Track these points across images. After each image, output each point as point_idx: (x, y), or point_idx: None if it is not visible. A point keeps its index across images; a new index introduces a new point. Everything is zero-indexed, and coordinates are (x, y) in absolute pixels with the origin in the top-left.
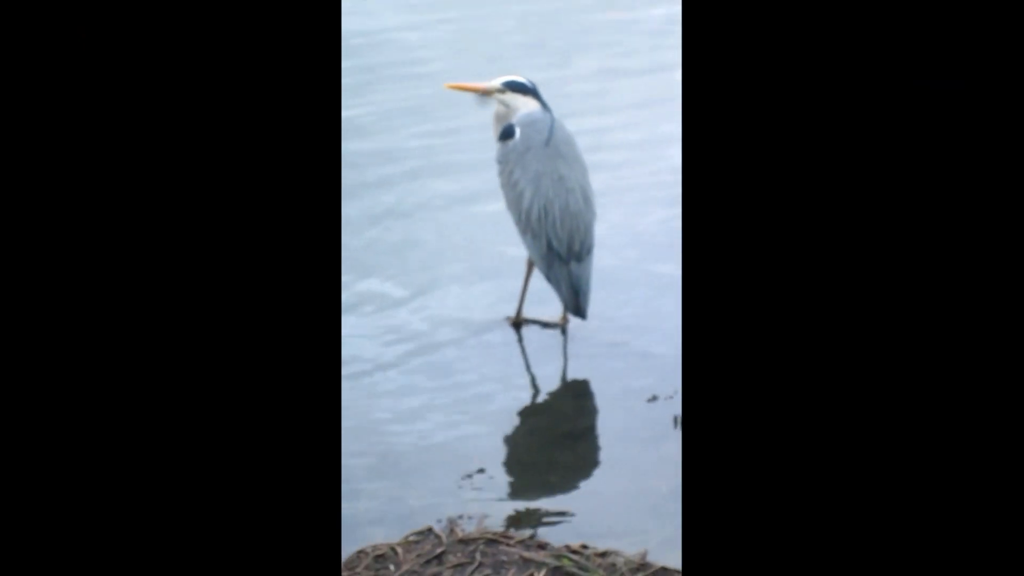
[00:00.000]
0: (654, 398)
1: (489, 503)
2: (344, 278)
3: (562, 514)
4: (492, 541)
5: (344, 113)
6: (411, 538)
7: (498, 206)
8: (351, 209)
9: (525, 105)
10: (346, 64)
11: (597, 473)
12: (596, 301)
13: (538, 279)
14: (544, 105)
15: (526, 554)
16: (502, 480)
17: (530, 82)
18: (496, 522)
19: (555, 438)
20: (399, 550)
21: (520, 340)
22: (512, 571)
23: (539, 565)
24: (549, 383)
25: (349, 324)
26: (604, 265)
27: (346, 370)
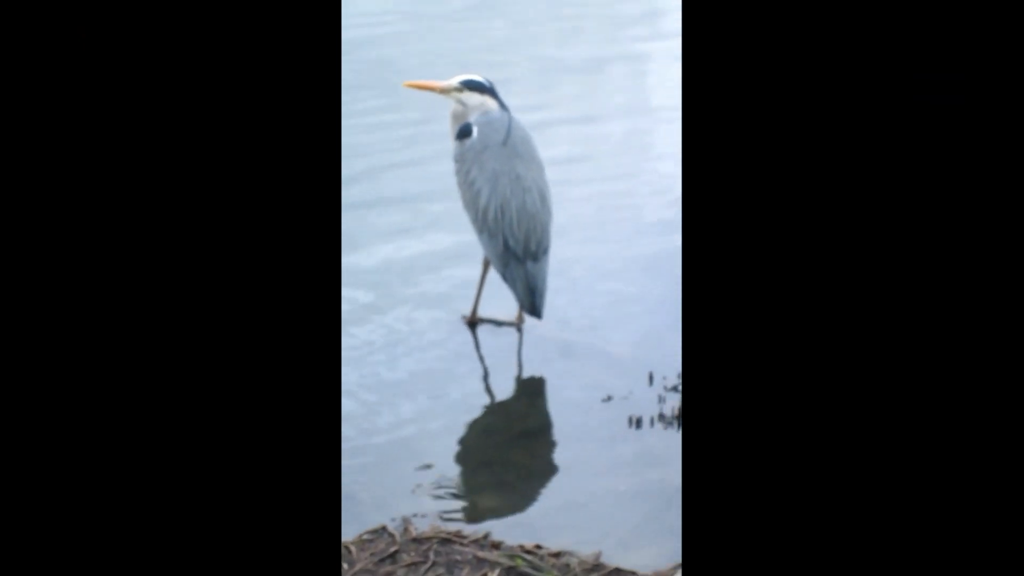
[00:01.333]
0: (609, 398)
1: (443, 502)
2: None
3: (516, 514)
4: (446, 540)
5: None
6: (365, 536)
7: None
8: None
9: (483, 104)
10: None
11: (552, 473)
12: (551, 301)
13: (494, 278)
14: (502, 104)
15: (480, 553)
16: (456, 479)
17: (488, 81)
18: (450, 521)
19: (510, 437)
20: (353, 548)
21: (475, 339)
22: (466, 571)
23: (493, 565)
24: (504, 382)
25: None
26: (560, 265)
27: None
